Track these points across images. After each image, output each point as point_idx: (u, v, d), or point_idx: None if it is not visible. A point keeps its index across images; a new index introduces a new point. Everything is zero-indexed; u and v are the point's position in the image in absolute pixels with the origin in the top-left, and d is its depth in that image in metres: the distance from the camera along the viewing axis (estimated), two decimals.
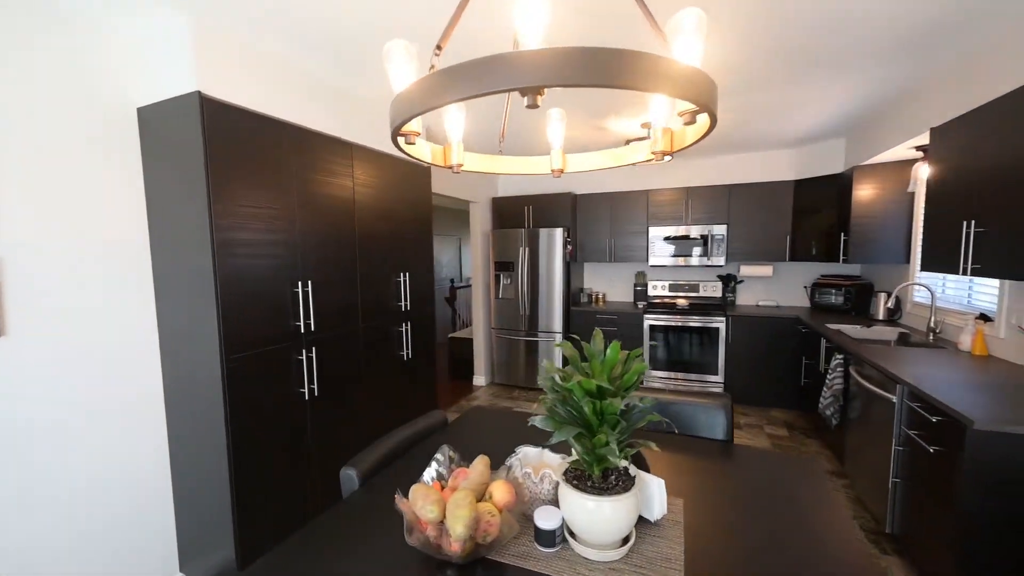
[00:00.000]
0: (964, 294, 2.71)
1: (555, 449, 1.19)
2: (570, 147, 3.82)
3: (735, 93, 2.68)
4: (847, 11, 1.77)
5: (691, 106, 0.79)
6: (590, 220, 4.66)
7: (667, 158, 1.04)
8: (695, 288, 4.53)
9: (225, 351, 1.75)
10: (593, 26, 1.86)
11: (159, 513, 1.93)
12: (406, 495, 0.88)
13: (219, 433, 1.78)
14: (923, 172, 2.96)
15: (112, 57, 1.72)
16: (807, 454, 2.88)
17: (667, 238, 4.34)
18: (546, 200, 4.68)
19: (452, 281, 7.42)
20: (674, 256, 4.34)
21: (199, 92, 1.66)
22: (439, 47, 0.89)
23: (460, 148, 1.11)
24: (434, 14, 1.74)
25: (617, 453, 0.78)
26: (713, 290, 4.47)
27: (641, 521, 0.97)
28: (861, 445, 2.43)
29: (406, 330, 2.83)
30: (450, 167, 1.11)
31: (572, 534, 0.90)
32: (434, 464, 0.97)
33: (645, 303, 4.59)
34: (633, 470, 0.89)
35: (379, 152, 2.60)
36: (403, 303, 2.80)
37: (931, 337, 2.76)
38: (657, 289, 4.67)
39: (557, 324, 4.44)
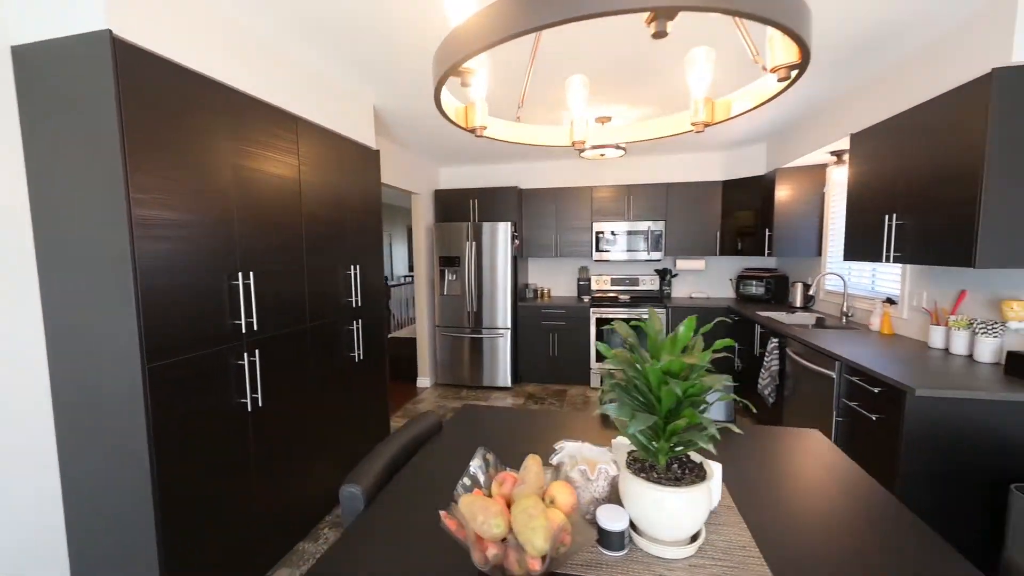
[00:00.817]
0: (869, 282, 3.11)
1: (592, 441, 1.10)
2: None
3: (683, 103, 2.80)
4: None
5: (787, 60, 0.74)
6: (536, 215, 4.65)
7: (706, 129, 1.00)
8: (635, 282, 4.73)
9: (147, 355, 1.41)
10: None
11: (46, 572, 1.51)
12: (430, 509, 0.73)
13: (139, 462, 1.42)
14: (835, 174, 3.35)
15: None
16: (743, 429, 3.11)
17: (612, 233, 4.47)
18: (491, 194, 4.58)
19: (385, 279, 7.01)
20: (617, 251, 4.48)
21: (110, 32, 1.31)
22: None
23: (484, 108, 0.97)
24: None
25: (708, 437, 0.71)
26: (651, 283, 4.69)
27: None
28: (799, 419, 2.67)
29: (357, 329, 2.56)
30: (472, 130, 0.97)
31: (636, 533, 0.82)
32: (472, 469, 0.83)
33: (589, 297, 4.69)
34: (697, 457, 0.83)
35: (328, 130, 2.32)
36: (354, 299, 2.53)
37: (844, 320, 3.13)
38: (600, 283, 4.80)
39: (505, 320, 4.36)
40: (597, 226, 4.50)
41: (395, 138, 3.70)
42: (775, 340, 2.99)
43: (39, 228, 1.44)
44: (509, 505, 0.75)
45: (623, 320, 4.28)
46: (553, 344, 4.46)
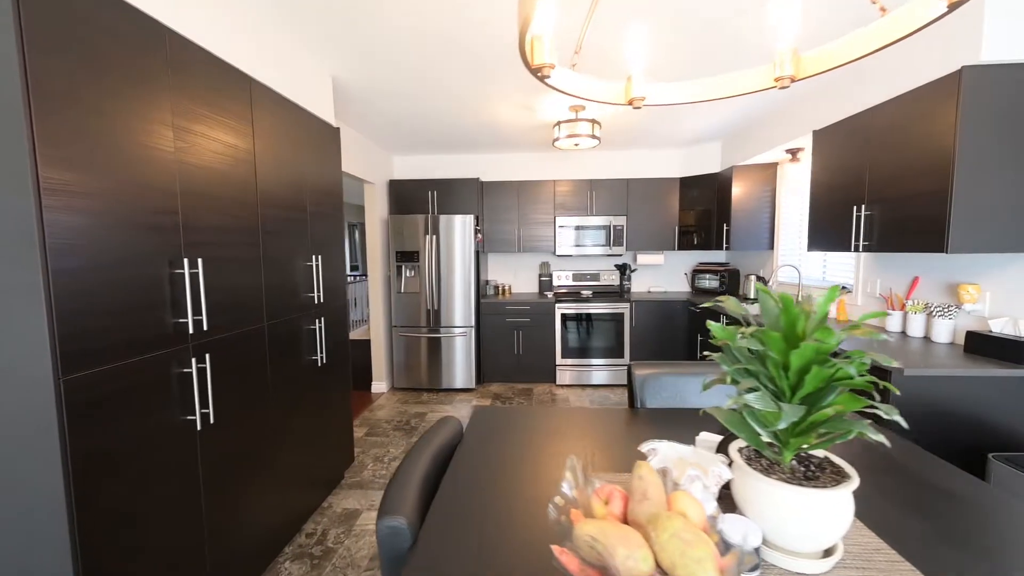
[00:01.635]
0: (820, 272, 3.31)
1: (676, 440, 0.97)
2: (506, 123, 3.58)
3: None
4: (738, 36, 1.99)
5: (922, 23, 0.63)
6: (498, 209, 4.49)
7: (790, 85, 0.90)
8: (596, 277, 4.72)
9: (62, 365, 1.06)
10: None
11: None
12: (512, 542, 0.55)
13: (53, 511, 1.07)
14: (789, 171, 3.54)
15: None
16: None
17: (575, 227, 4.42)
18: (451, 185, 4.34)
19: None
20: (580, 246, 4.45)
21: None
22: None
23: (550, 45, 0.80)
24: None
25: (866, 426, 0.60)
26: (612, 278, 4.72)
27: None
28: None
29: (320, 328, 2.24)
30: (538, 68, 0.79)
31: (766, 546, 0.69)
32: (565, 485, 0.66)
33: (552, 293, 4.62)
34: (819, 452, 0.73)
35: (286, 100, 1.99)
36: (316, 294, 2.21)
37: None
38: (561, 279, 4.74)
39: (467, 318, 4.14)
40: (560, 220, 4.43)
41: (347, 120, 3.36)
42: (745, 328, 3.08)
43: None
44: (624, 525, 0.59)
45: (587, 316, 4.25)
46: (518, 342, 4.32)
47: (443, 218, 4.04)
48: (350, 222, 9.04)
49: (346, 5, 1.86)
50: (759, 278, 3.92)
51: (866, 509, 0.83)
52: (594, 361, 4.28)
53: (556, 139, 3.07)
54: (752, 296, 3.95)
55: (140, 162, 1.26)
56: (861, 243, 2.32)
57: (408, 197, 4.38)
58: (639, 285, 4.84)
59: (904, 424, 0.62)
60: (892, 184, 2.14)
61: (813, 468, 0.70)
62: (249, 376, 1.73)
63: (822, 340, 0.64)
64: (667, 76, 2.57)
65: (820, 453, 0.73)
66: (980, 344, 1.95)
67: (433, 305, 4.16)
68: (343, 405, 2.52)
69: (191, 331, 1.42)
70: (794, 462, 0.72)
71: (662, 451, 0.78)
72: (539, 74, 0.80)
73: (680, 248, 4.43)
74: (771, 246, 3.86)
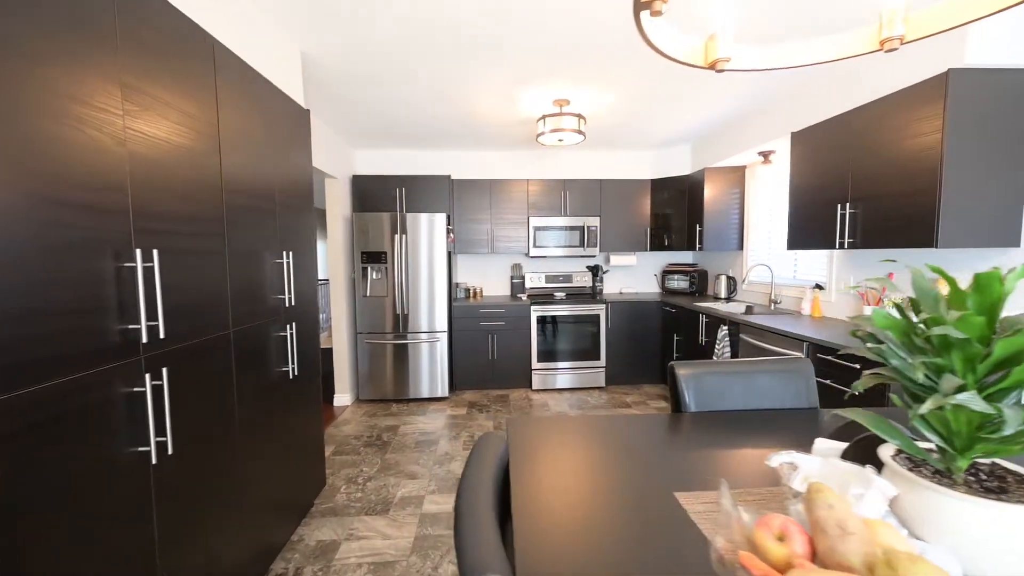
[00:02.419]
0: (791, 271, 3.43)
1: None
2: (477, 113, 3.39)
3: (634, 99, 2.74)
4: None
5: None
6: (470, 208, 4.30)
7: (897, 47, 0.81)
8: (569, 279, 4.65)
9: None
10: None
11: None
12: None
13: None
14: (760, 173, 3.65)
15: None
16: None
17: (550, 228, 4.33)
18: (420, 182, 4.10)
19: None
20: (554, 247, 4.36)
21: None
22: None
23: (726, 35, 0.66)
24: None
25: None
26: (584, 280, 4.67)
27: None
28: None
29: (291, 335, 1.95)
30: (711, 65, 0.65)
31: None
32: (728, 515, 0.51)
33: (525, 295, 4.49)
34: (987, 459, 0.63)
35: (253, 71, 1.72)
36: (287, 296, 1.92)
37: (773, 307, 3.40)
38: (534, 281, 4.62)
39: (441, 323, 3.91)
40: (534, 221, 4.32)
41: (311, 107, 3.04)
42: (725, 328, 3.11)
43: None
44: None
45: (563, 318, 4.15)
46: (492, 347, 4.14)
47: (413, 216, 3.80)
48: None
49: None
50: (729, 278, 4.01)
51: None
52: (571, 364, 4.19)
53: (540, 133, 2.95)
54: (723, 296, 4.03)
55: (73, 122, 0.97)
56: (846, 240, 2.38)
57: (373, 194, 4.08)
58: (611, 287, 4.83)
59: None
60: (876, 182, 2.21)
61: (986, 476, 0.60)
62: (214, 393, 1.44)
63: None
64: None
65: (986, 459, 0.64)
66: None
67: (402, 309, 3.88)
68: (315, 422, 2.23)
69: (144, 340, 1.13)
70: (976, 471, 0.62)
71: (804, 466, 0.66)
72: (714, 69, 0.65)
73: (652, 249, 4.46)
74: (740, 247, 3.96)
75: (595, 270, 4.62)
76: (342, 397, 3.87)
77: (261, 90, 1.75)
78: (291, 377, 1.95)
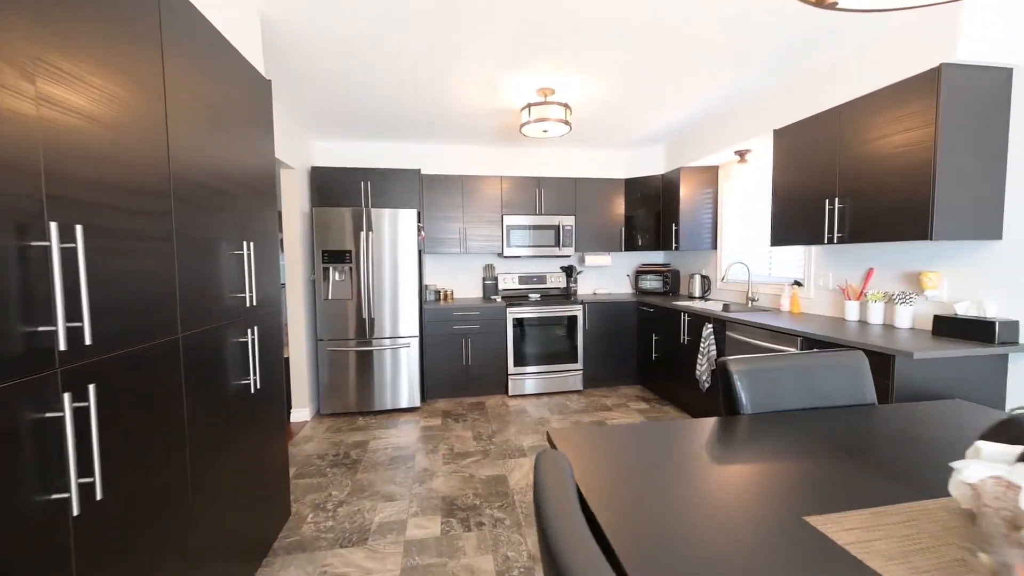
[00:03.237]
0: (766, 269, 3.47)
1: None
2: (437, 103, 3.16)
3: (617, 92, 2.66)
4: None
5: None
6: (441, 205, 4.05)
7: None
8: (543, 280, 4.52)
9: None
10: None
11: None
12: None
13: None
14: (736, 173, 3.69)
15: None
16: (673, 418, 3.13)
17: (524, 227, 4.17)
18: (387, 176, 3.81)
19: None
20: (529, 246, 4.20)
21: None
22: None
23: None
24: None
25: None
26: (559, 281, 4.55)
27: None
28: None
29: (253, 341, 1.64)
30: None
31: None
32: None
33: (499, 297, 4.30)
34: None
35: (209, 24, 1.42)
36: (248, 295, 1.62)
37: (750, 304, 3.43)
38: (507, 282, 4.44)
39: (410, 327, 3.63)
40: (508, 220, 4.15)
41: None
42: (710, 326, 3.07)
43: None
44: None
45: (540, 320, 4.00)
46: (466, 352, 3.90)
47: (380, 212, 3.50)
48: None
49: None
50: (704, 277, 4.03)
51: None
52: (548, 368, 4.04)
53: (525, 123, 2.79)
54: (698, 295, 4.04)
55: None
56: (835, 235, 2.39)
57: (335, 188, 3.74)
58: (585, 287, 4.74)
59: None
60: (865, 177, 2.23)
61: None
62: (157, 416, 1.13)
63: None
64: None
65: None
66: (948, 327, 2.08)
67: (369, 313, 3.57)
68: (279, 443, 1.91)
69: (62, 347, 0.83)
70: None
71: (1020, 480, 0.52)
72: (822, 6, 0.50)
73: (627, 249, 4.42)
74: (714, 246, 3.99)
75: (569, 271, 4.51)
76: (300, 412, 3.48)
77: (218, 48, 1.46)
78: (252, 391, 1.65)
